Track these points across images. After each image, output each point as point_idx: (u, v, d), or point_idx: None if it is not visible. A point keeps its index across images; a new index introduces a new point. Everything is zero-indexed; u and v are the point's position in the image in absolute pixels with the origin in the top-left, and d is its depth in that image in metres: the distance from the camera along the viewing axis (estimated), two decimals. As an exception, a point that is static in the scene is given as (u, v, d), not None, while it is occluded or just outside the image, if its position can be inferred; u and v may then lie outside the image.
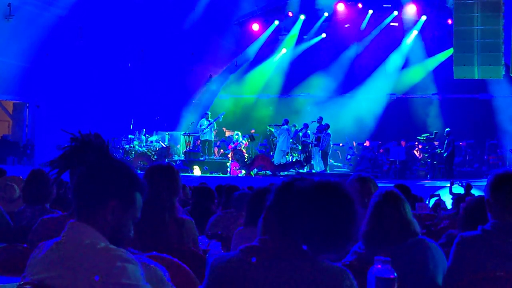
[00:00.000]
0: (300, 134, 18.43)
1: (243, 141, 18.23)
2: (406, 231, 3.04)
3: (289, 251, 1.97)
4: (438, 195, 10.35)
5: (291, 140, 18.00)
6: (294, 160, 17.74)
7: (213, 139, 19.10)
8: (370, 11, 21.70)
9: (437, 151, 17.76)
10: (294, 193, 2.03)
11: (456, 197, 8.70)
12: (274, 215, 2.04)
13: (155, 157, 17.53)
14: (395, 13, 21.48)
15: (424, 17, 21.27)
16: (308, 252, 1.98)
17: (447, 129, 17.53)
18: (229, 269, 2.02)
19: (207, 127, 18.44)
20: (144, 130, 18.91)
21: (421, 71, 21.82)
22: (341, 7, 21.76)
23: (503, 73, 14.87)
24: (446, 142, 17.38)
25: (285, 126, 17.72)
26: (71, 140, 2.16)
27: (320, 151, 17.75)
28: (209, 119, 18.66)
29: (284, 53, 23.26)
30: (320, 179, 2.07)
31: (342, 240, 2.01)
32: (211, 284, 2.05)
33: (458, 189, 11.13)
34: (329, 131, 17.82)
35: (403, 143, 19.18)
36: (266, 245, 2.01)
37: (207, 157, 18.38)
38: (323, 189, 2.03)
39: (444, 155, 17.34)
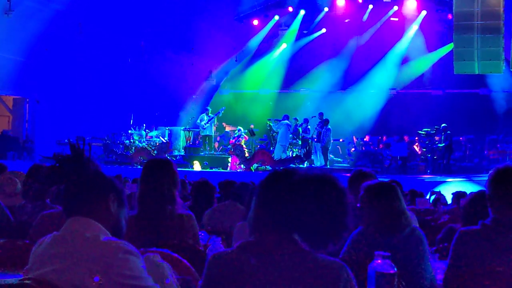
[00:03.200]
0: (300, 129, 18.42)
1: (243, 134, 18.24)
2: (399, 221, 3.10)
3: (286, 246, 1.97)
4: (439, 192, 10.37)
5: (291, 135, 18.00)
6: (294, 155, 17.74)
7: (213, 134, 19.10)
8: (370, 6, 21.66)
9: (438, 147, 17.74)
10: (283, 186, 2.03)
11: (456, 192, 8.71)
12: (266, 210, 2.03)
13: (155, 152, 17.53)
14: (395, 8, 21.44)
15: (424, 12, 21.23)
16: (305, 246, 1.98)
17: (444, 124, 17.57)
18: (227, 265, 2.02)
19: (207, 122, 18.44)
20: (144, 125, 18.91)
21: (421, 66, 21.81)
22: (341, 2, 21.71)
23: (503, 68, 14.86)
24: (443, 137, 17.44)
25: (285, 121, 17.71)
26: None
27: (321, 146, 17.75)
28: (210, 114, 18.66)
29: (284, 48, 23.24)
30: (308, 171, 2.07)
31: (336, 231, 2.00)
32: (209, 280, 2.05)
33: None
34: (329, 126, 17.82)
35: (406, 138, 19.21)
36: (262, 240, 2.00)
37: (207, 152, 18.39)
38: (313, 180, 2.02)
39: (440, 146, 17.39)
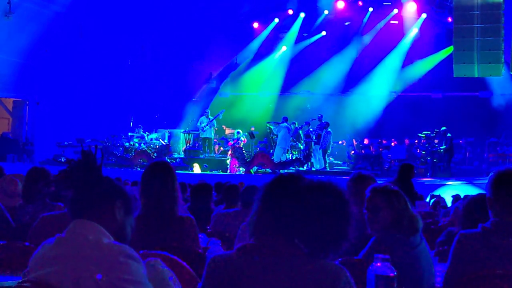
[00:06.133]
0: (301, 132, 18.42)
1: (242, 138, 18.23)
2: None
3: (286, 249, 1.97)
4: (438, 195, 10.37)
5: (291, 138, 17.98)
6: (293, 158, 17.72)
7: (213, 137, 19.08)
8: (370, 9, 21.70)
9: (439, 150, 17.73)
10: (288, 192, 2.03)
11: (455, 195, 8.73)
12: (269, 213, 2.04)
13: (155, 155, 17.52)
14: (395, 11, 21.47)
15: (424, 15, 21.26)
16: (305, 251, 1.99)
17: (443, 127, 17.57)
18: (226, 268, 2.02)
19: (207, 125, 18.42)
20: (141, 127, 18.86)
21: (421, 69, 21.81)
22: (341, 4, 21.73)
23: (503, 71, 14.87)
24: (444, 140, 17.42)
25: (284, 124, 17.70)
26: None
27: (321, 149, 17.73)
28: (209, 116, 18.64)
29: (284, 50, 23.25)
30: (314, 178, 2.08)
31: (337, 240, 2.01)
32: (208, 283, 2.06)
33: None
34: (329, 129, 17.80)
35: (406, 141, 19.22)
36: (263, 243, 2.01)
37: (207, 155, 18.37)
38: (318, 189, 2.03)
39: (441, 148, 17.38)
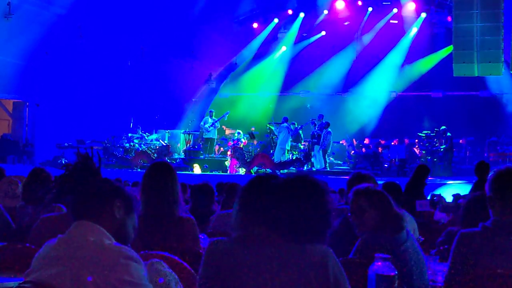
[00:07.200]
0: (301, 132, 18.43)
1: (242, 140, 18.21)
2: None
3: (272, 240, 2.07)
4: (439, 195, 10.35)
5: (290, 138, 17.98)
6: (294, 158, 17.72)
7: (215, 138, 19.08)
8: (370, 9, 21.71)
9: (440, 149, 17.73)
10: (267, 188, 2.14)
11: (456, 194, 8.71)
12: (248, 211, 2.14)
13: (155, 155, 17.50)
14: (395, 10, 21.47)
15: (423, 14, 21.26)
16: (293, 239, 2.07)
17: (443, 126, 17.56)
18: (224, 253, 2.11)
19: (211, 125, 18.40)
20: (140, 127, 18.83)
21: (421, 68, 21.81)
22: (340, 4, 21.74)
23: (503, 70, 14.86)
24: (443, 139, 17.43)
25: (285, 124, 17.70)
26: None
27: (321, 149, 17.72)
28: (214, 117, 18.61)
29: (283, 51, 23.25)
30: (289, 174, 2.18)
31: (318, 228, 2.10)
32: (206, 267, 2.13)
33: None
34: (329, 129, 17.79)
35: (406, 140, 19.19)
36: (254, 234, 2.10)
37: (207, 155, 18.37)
38: (292, 182, 2.14)
39: (441, 148, 17.38)
